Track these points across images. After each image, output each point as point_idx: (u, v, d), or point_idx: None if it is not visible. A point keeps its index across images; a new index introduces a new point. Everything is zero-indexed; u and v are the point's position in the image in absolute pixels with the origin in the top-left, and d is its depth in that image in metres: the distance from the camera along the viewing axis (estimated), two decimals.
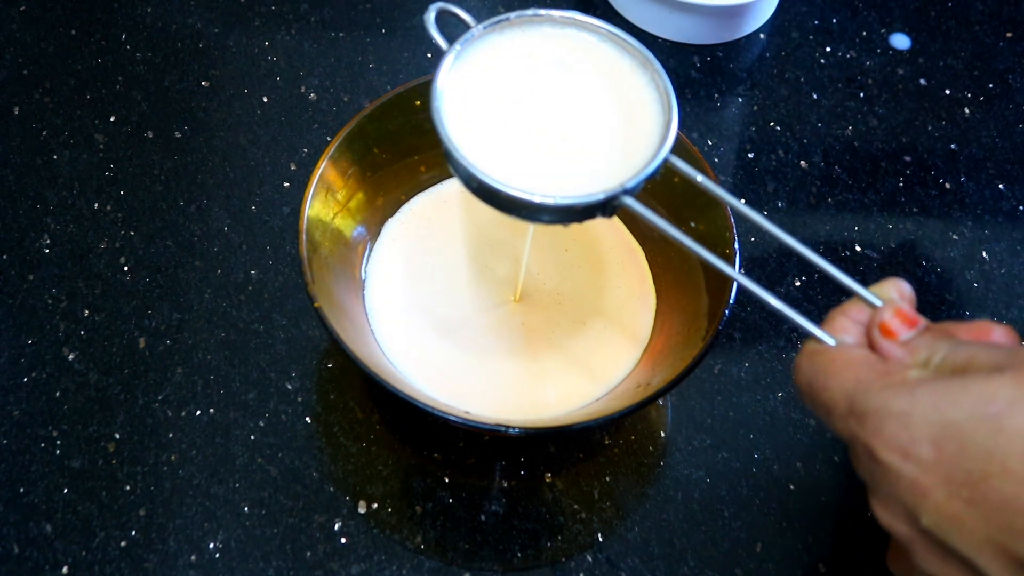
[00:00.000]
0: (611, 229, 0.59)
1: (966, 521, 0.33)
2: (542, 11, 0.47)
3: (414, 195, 0.59)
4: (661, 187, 0.50)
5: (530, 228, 0.55)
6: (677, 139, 0.44)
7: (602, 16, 0.74)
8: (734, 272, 0.42)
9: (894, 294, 0.39)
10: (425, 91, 0.56)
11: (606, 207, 0.43)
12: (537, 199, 0.42)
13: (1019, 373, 0.33)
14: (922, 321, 0.38)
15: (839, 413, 0.36)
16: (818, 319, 0.58)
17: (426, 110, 0.58)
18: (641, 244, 0.58)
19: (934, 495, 0.33)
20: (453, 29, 0.46)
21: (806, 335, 0.39)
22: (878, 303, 0.39)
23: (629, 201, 0.42)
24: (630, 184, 0.42)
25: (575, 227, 0.58)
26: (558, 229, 0.57)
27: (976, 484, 0.33)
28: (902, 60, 0.73)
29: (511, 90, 0.46)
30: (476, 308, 0.56)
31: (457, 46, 0.45)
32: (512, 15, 0.46)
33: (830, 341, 0.38)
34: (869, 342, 0.38)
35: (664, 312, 0.56)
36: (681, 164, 0.44)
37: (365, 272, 0.56)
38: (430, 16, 0.45)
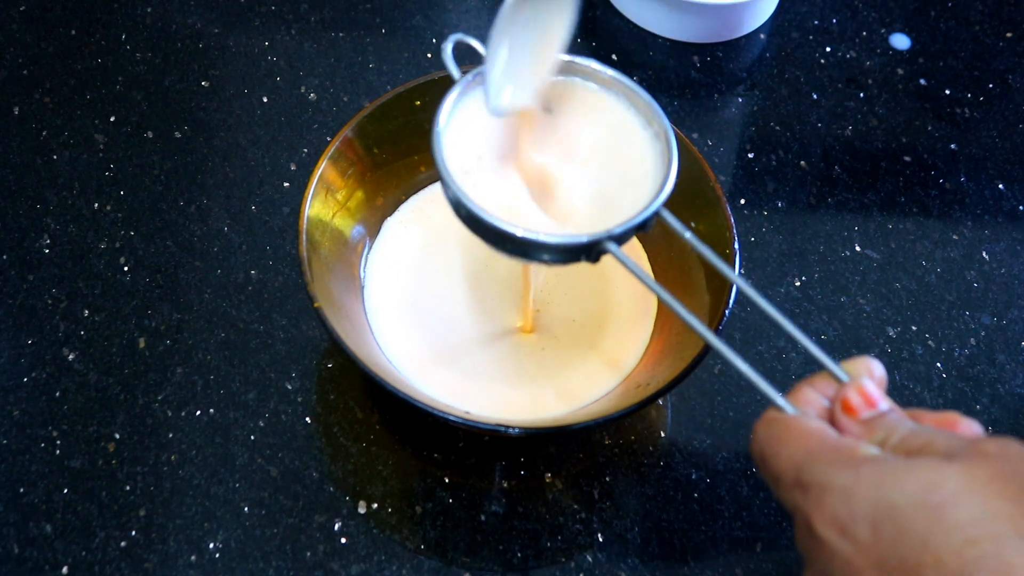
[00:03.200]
0: None
1: None
2: (563, 57, 0.46)
3: (414, 195, 0.59)
4: None
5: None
6: (675, 180, 0.43)
7: (603, 16, 0.74)
8: (709, 334, 0.41)
9: (863, 372, 0.39)
10: (425, 90, 0.56)
11: (591, 251, 0.43)
12: (520, 233, 0.42)
13: (970, 464, 0.32)
14: (885, 403, 0.38)
15: (785, 483, 0.36)
16: (818, 319, 0.58)
17: (426, 110, 0.58)
18: (642, 244, 0.58)
19: None
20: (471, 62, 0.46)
21: (770, 402, 0.39)
22: (845, 378, 0.39)
23: (613, 248, 0.42)
24: (616, 231, 0.42)
25: None
26: None
27: (908, 573, 0.32)
28: (902, 60, 0.73)
29: (510, 128, 0.46)
30: (476, 308, 0.56)
31: (469, 77, 0.45)
32: None
33: (790, 410, 0.38)
34: (831, 417, 0.38)
35: (664, 312, 0.56)
36: (671, 219, 0.44)
37: (365, 272, 0.56)
38: (447, 47, 0.45)
